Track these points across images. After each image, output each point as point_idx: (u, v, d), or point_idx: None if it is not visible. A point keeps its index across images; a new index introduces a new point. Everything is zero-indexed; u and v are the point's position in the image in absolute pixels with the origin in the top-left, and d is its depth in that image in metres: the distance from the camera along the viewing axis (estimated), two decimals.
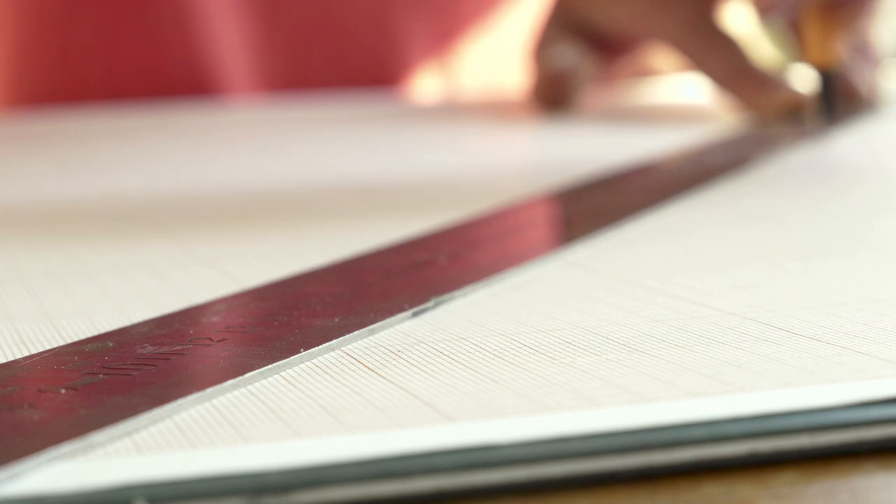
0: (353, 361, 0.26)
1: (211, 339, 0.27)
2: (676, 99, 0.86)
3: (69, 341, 0.28)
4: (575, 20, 0.78)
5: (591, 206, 0.44)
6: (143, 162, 0.64)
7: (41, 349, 0.27)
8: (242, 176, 0.58)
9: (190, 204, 0.50)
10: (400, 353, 0.27)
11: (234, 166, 0.61)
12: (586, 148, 0.64)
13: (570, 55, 0.77)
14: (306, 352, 0.26)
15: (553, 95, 0.77)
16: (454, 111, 0.83)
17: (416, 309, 0.30)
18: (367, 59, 0.90)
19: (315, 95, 0.87)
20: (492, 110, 0.82)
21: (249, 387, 0.24)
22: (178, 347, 0.26)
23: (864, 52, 0.74)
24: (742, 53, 0.72)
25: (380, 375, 0.25)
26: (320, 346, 0.27)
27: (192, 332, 0.28)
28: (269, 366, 0.25)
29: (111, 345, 0.27)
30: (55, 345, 0.28)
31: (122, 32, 0.83)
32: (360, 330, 0.28)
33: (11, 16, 0.84)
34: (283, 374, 0.25)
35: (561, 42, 0.77)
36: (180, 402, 0.23)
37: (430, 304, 0.30)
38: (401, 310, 0.29)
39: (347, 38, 0.89)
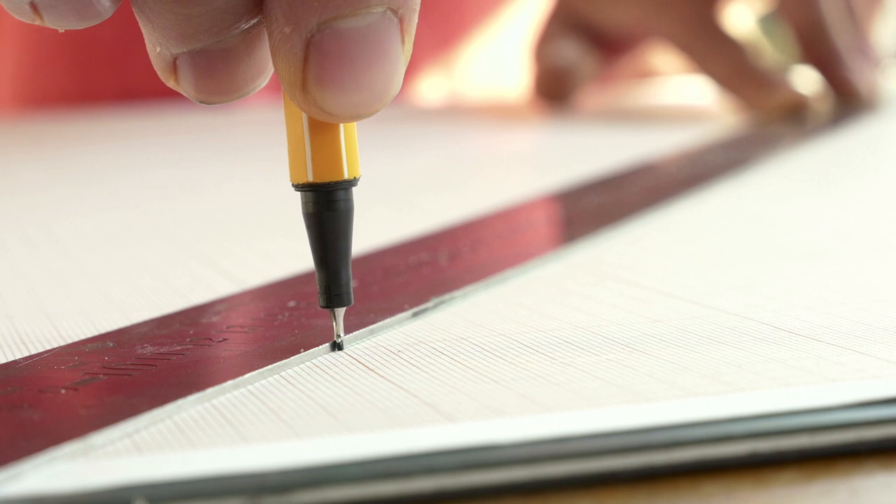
0: (353, 361, 0.26)
1: (211, 339, 0.27)
2: (677, 99, 0.86)
3: (69, 341, 0.28)
4: (575, 19, 0.78)
5: (591, 206, 0.44)
6: (148, 162, 0.64)
7: (41, 349, 0.27)
8: (245, 176, 0.58)
9: (192, 204, 0.50)
10: (400, 353, 0.27)
11: (238, 166, 0.61)
12: (587, 148, 0.64)
13: (570, 51, 0.77)
14: (306, 352, 0.26)
15: (553, 90, 0.77)
16: (456, 113, 0.83)
17: (416, 309, 0.30)
18: None
19: None
20: (493, 112, 0.82)
21: (249, 387, 0.24)
22: (178, 347, 0.26)
23: (865, 52, 0.74)
24: (743, 53, 0.72)
25: (380, 375, 0.25)
26: (320, 346, 0.27)
27: (192, 332, 0.28)
28: (269, 366, 0.25)
29: (111, 345, 0.27)
30: (55, 345, 0.28)
31: (133, 33, 0.83)
32: (361, 330, 0.28)
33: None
34: (283, 374, 0.25)
35: (562, 39, 0.77)
36: (180, 402, 0.23)
37: (430, 304, 0.30)
38: (401, 310, 0.29)
39: None
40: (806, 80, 0.73)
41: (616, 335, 0.27)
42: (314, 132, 0.25)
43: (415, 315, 0.29)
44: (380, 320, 0.28)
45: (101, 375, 0.25)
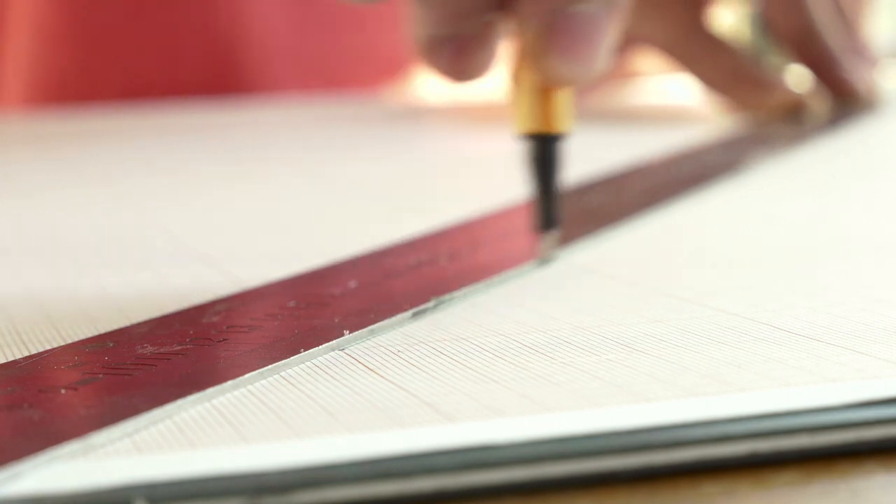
0: (353, 361, 0.26)
1: (211, 339, 0.27)
2: (672, 100, 0.86)
3: (69, 341, 0.28)
4: None
5: (590, 207, 0.44)
6: (149, 162, 0.64)
7: (41, 349, 0.27)
8: (246, 176, 0.58)
9: (192, 204, 0.50)
10: (400, 354, 0.27)
11: (238, 166, 0.61)
12: (585, 148, 0.64)
13: None
14: (306, 352, 0.26)
15: None
16: (454, 112, 0.83)
17: (416, 309, 0.30)
18: (369, 59, 0.90)
19: (322, 96, 0.87)
20: (492, 112, 0.82)
21: (249, 387, 0.24)
22: (178, 347, 0.26)
23: (861, 52, 0.74)
24: (736, 55, 0.71)
25: (380, 375, 0.25)
26: (320, 346, 0.27)
27: (192, 332, 0.28)
28: (269, 366, 0.25)
29: (111, 345, 0.27)
30: (55, 345, 0.28)
31: (142, 30, 0.83)
32: (360, 330, 0.28)
33: (30, 14, 0.84)
34: (283, 374, 0.25)
35: None
36: (180, 402, 0.23)
37: (430, 304, 0.30)
38: (401, 310, 0.29)
39: (347, 39, 0.89)
40: (801, 80, 0.73)
41: (616, 335, 0.27)
42: (541, 93, 0.32)
43: (415, 315, 0.29)
44: (380, 320, 0.28)
45: (101, 375, 0.25)
